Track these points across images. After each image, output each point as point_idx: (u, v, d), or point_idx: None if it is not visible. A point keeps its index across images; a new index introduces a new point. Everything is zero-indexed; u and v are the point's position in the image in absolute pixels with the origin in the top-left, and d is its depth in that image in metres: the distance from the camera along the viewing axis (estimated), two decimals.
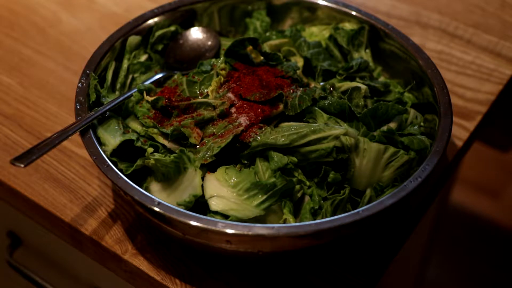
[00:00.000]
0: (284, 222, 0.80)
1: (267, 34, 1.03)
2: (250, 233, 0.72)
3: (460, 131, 1.05)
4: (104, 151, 0.81)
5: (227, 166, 0.83)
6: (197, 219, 0.73)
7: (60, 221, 0.92)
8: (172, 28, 1.02)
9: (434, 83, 0.91)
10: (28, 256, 1.13)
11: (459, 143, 1.03)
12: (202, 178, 0.81)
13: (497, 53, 1.18)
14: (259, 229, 0.72)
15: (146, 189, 0.83)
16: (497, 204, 2.17)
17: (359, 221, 0.74)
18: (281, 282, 0.85)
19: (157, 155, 0.82)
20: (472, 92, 1.11)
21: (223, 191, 0.80)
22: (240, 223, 0.73)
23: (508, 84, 1.14)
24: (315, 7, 1.05)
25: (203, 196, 0.81)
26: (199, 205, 0.81)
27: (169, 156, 0.82)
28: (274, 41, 1.01)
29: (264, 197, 0.79)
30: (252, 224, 0.73)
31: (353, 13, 1.02)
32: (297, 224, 0.74)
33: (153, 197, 0.76)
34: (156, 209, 0.75)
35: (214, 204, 0.79)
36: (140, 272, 0.87)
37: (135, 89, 0.91)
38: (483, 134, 1.52)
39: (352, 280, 0.85)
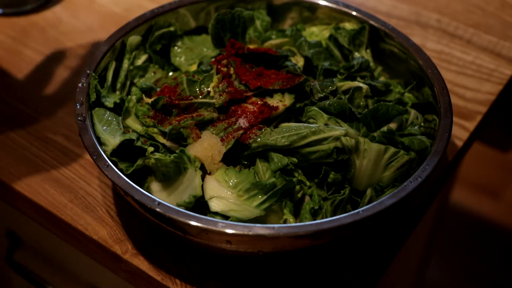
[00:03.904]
0: (285, 222, 0.80)
1: (267, 33, 1.03)
2: (250, 233, 0.72)
3: (460, 131, 1.05)
4: (104, 151, 0.81)
5: (227, 167, 0.83)
6: (197, 219, 0.73)
7: (60, 221, 0.92)
8: (172, 28, 1.02)
9: (434, 83, 0.91)
10: (28, 256, 1.13)
11: (459, 143, 1.03)
12: (202, 179, 0.81)
13: (497, 53, 1.18)
14: (259, 229, 0.72)
15: (147, 189, 0.83)
16: (497, 204, 2.17)
17: (359, 221, 0.74)
18: (281, 282, 0.85)
19: (157, 155, 0.82)
20: (472, 92, 1.11)
21: (223, 192, 0.80)
22: (240, 223, 0.73)
23: (508, 84, 1.14)
24: (315, 7, 1.05)
25: (203, 196, 0.81)
26: (200, 205, 0.81)
27: (169, 156, 0.82)
28: (275, 41, 1.01)
29: (264, 197, 0.79)
30: (252, 224, 0.73)
31: (353, 13, 1.02)
32: (297, 224, 0.74)
33: (153, 197, 0.76)
34: (156, 209, 0.75)
35: (214, 205, 0.79)
36: (140, 272, 0.87)
37: None
38: (483, 134, 1.52)
39: (352, 280, 0.85)
